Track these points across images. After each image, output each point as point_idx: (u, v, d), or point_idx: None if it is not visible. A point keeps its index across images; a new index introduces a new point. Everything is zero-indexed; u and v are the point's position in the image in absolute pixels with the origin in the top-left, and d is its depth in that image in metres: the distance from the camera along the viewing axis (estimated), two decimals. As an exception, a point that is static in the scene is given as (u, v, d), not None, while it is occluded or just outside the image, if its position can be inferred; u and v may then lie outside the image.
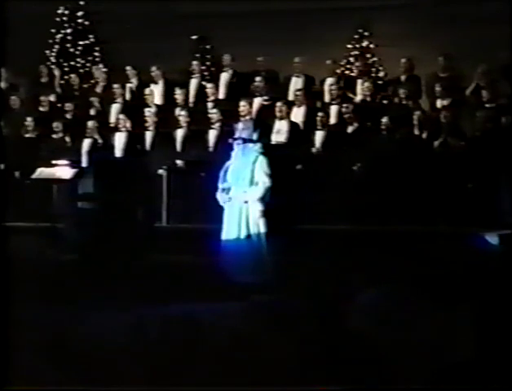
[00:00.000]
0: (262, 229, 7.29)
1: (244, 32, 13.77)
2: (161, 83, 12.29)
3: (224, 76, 12.34)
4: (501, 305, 4.20)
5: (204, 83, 12.28)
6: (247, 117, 10.45)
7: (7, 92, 12.71)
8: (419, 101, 11.47)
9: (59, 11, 15.21)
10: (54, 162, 10.20)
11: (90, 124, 11.51)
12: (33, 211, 10.44)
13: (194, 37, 14.95)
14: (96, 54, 15.22)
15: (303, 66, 12.11)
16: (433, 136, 10.57)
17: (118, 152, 11.29)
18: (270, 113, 11.08)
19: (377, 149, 10.44)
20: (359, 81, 11.98)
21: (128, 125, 11.34)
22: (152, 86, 12.19)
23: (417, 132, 10.67)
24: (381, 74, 13.98)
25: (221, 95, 12.11)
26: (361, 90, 11.71)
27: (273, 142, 10.23)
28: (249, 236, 7.34)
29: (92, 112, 12.13)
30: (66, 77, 13.54)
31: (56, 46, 15.14)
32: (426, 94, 11.65)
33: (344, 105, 11.08)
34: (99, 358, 3.80)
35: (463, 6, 13.29)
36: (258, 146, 7.40)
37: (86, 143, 11.47)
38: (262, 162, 7.32)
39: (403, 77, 11.70)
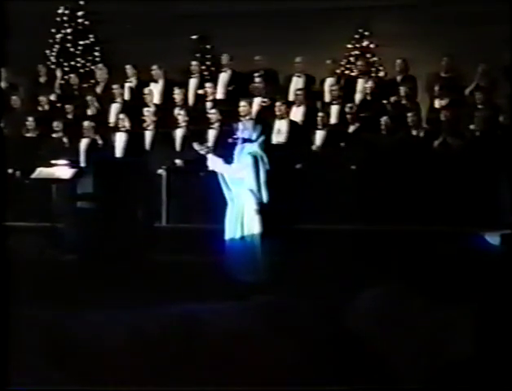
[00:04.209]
0: (261, 229, 7.28)
1: (244, 32, 13.77)
2: (161, 82, 12.30)
3: (223, 77, 12.34)
4: (502, 305, 4.20)
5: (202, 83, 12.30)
6: (247, 117, 10.46)
7: (7, 92, 12.71)
8: (417, 101, 11.49)
9: (59, 11, 15.22)
10: (53, 162, 10.20)
11: (86, 124, 11.51)
12: (32, 211, 10.44)
13: (194, 37, 14.96)
14: (96, 54, 15.23)
15: (304, 66, 12.12)
16: (433, 136, 10.58)
17: (118, 152, 11.29)
18: (270, 113, 11.09)
19: (376, 149, 10.45)
20: (361, 81, 11.97)
21: (127, 124, 11.34)
22: (152, 85, 12.19)
23: (416, 132, 10.68)
24: (381, 74, 13.98)
25: (220, 95, 12.11)
26: (363, 89, 11.72)
27: (273, 142, 10.23)
28: (248, 236, 7.34)
29: (90, 111, 12.13)
30: (66, 77, 13.55)
31: (56, 46, 15.14)
32: (426, 94, 11.66)
33: (348, 105, 11.09)
34: (99, 358, 3.80)
35: (463, 6, 13.29)
36: (255, 146, 7.41)
37: (84, 143, 11.48)
38: (247, 160, 7.32)
39: (398, 78, 11.72)
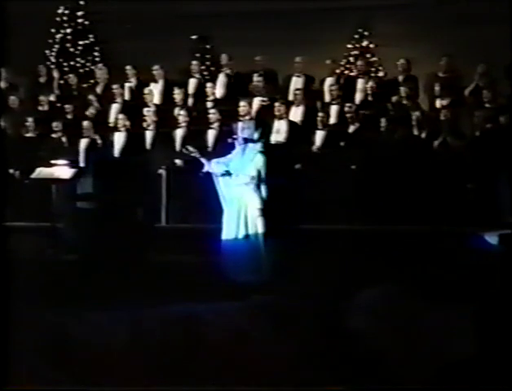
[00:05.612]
0: (262, 229, 7.29)
1: (244, 32, 13.78)
2: (161, 82, 12.29)
3: (222, 77, 12.34)
4: (501, 304, 4.20)
5: (201, 79, 12.30)
6: (247, 117, 10.46)
7: (7, 92, 12.70)
8: (417, 101, 11.48)
9: (59, 11, 15.23)
10: (53, 162, 10.19)
11: (86, 123, 11.51)
12: (32, 211, 10.43)
13: (194, 37, 14.97)
14: (96, 54, 15.24)
15: (304, 66, 12.11)
16: (433, 136, 10.57)
17: (118, 152, 11.28)
18: (269, 113, 11.09)
19: (376, 149, 10.45)
20: (360, 81, 11.96)
21: (127, 124, 11.34)
22: (152, 85, 12.18)
23: (416, 132, 10.69)
24: (380, 74, 13.99)
25: (218, 95, 12.10)
26: (363, 89, 11.71)
27: (273, 142, 10.24)
28: (248, 236, 7.35)
29: (89, 111, 12.12)
30: (65, 77, 13.54)
31: (56, 46, 15.15)
32: (426, 94, 11.66)
33: (347, 104, 11.08)
34: (98, 357, 3.80)
35: (463, 6, 13.30)
36: (258, 145, 7.42)
37: (84, 143, 11.47)
38: (259, 160, 7.35)
39: (400, 78, 11.71)
